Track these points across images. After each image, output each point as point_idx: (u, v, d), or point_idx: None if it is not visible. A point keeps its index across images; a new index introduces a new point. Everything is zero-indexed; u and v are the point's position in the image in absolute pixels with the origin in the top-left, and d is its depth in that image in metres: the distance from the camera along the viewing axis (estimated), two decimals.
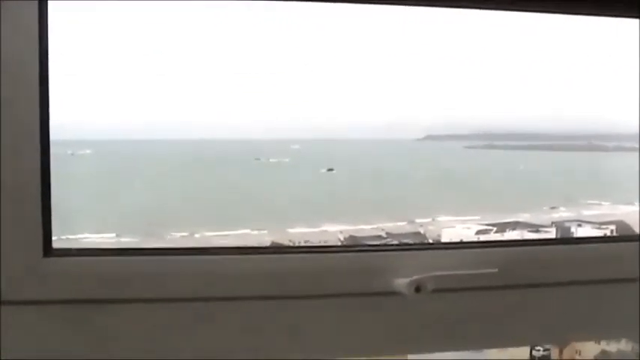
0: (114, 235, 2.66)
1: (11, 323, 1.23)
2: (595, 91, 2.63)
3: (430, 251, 1.42)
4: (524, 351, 2.98)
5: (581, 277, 1.42)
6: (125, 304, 1.27)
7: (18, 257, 1.22)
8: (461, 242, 1.92)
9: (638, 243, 1.43)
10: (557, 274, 1.41)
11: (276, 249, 1.57)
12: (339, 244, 2.57)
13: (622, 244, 1.54)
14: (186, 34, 2.05)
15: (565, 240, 2.20)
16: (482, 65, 2.54)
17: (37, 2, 1.19)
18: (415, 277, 1.30)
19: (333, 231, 2.90)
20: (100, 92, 2.12)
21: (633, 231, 2.44)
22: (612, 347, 2.79)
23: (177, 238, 2.77)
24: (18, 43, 1.19)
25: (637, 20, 1.50)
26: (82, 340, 1.28)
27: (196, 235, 2.77)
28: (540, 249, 1.48)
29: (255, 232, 2.86)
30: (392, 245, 1.92)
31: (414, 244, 2.03)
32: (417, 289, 1.30)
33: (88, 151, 2.63)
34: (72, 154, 2.54)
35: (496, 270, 1.32)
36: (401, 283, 1.31)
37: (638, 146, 2.53)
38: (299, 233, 2.91)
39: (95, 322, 1.27)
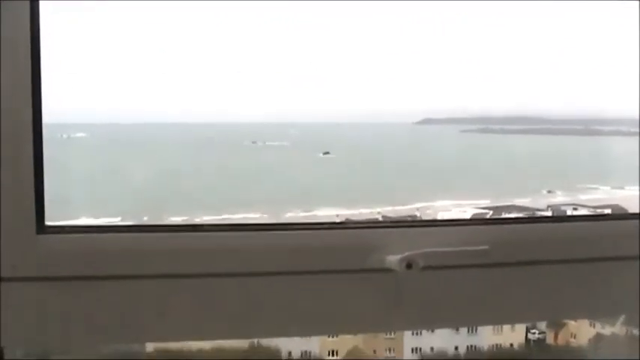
0: (110, 219, 2.66)
1: (5, 300, 1.24)
2: (592, 75, 2.63)
3: (422, 228, 1.43)
4: (519, 334, 2.99)
5: (572, 256, 1.43)
6: (118, 280, 1.28)
7: (12, 235, 1.23)
8: (452, 220, 1.93)
9: (628, 222, 1.44)
10: (549, 252, 1.42)
11: (270, 225, 1.58)
12: None
13: (614, 222, 1.55)
14: (183, 16, 2.05)
15: (556, 218, 2.21)
16: (479, 49, 2.54)
17: None
18: (406, 254, 1.31)
19: (330, 215, 2.90)
20: (94, 74, 2.12)
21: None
22: (607, 331, 2.79)
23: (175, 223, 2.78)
24: (8, 28, 1.20)
25: (637, 2, 1.50)
26: (75, 316, 1.29)
27: (196, 220, 2.77)
28: (531, 227, 1.49)
29: (255, 216, 2.87)
30: (384, 222, 1.93)
31: (406, 221, 2.03)
32: (409, 266, 1.31)
33: (82, 134, 2.63)
34: (67, 138, 2.54)
35: (487, 247, 1.33)
36: (392, 259, 1.32)
37: (634, 131, 2.53)
38: (296, 217, 2.91)
39: (89, 298, 1.28)
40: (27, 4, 1.21)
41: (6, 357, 1.31)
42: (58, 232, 1.28)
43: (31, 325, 1.27)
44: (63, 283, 1.26)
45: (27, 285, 1.25)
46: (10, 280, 1.24)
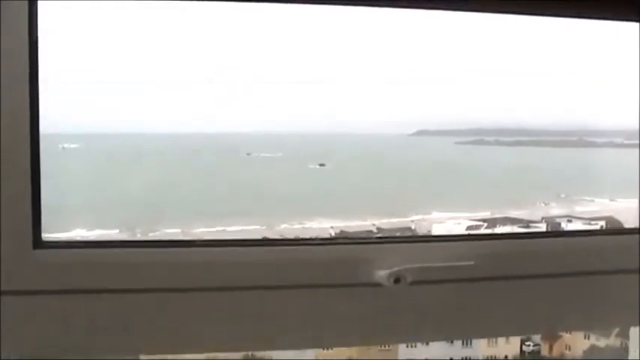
0: (104, 231, 2.67)
1: (2, 313, 1.25)
2: (586, 86, 2.63)
3: (411, 244, 1.44)
4: (514, 346, 2.99)
5: (563, 269, 1.43)
6: (112, 294, 1.29)
7: (9, 249, 1.24)
8: (441, 235, 1.94)
9: (621, 236, 1.45)
10: (538, 266, 1.43)
11: (262, 241, 1.59)
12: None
13: (604, 237, 1.56)
14: (177, 27, 2.06)
15: (544, 233, 2.22)
16: (474, 61, 2.54)
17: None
18: (394, 269, 1.32)
19: (324, 227, 2.90)
20: (87, 84, 2.12)
21: (622, 226, 2.44)
22: (601, 342, 2.79)
23: (169, 235, 2.78)
24: (7, 39, 1.20)
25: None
26: (70, 329, 1.30)
27: (191, 231, 2.77)
28: (520, 242, 1.50)
29: (249, 228, 2.87)
30: (373, 238, 1.94)
31: (395, 236, 2.05)
32: (397, 281, 1.32)
33: (75, 145, 2.62)
34: (62, 149, 2.54)
35: (472, 263, 1.34)
36: (381, 274, 1.33)
37: (627, 142, 2.53)
38: (290, 229, 2.92)
39: (83, 312, 1.30)
40: (26, 12, 1.22)
41: None
42: (55, 247, 1.29)
43: (28, 338, 1.29)
44: (59, 297, 1.27)
45: (24, 298, 1.26)
46: (7, 293, 1.25)
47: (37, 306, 1.27)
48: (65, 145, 2.56)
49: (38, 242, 1.27)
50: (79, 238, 2.27)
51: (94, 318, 1.30)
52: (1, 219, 1.23)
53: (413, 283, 1.32)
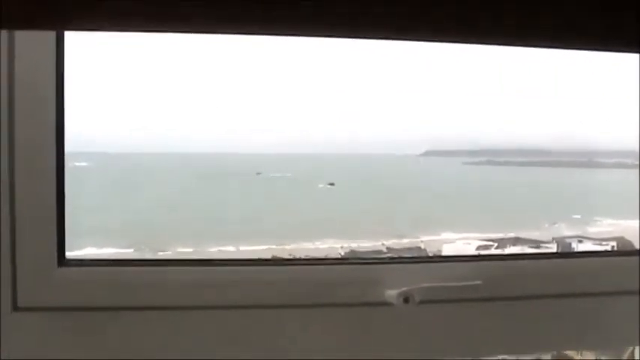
0: (114, 250, 2.68)
1: (26, 329, 1.28)
2: (595, 108, 2.64)
3: (420, 264, 1.44)
4: None
5: (569, 290, 1.43)
6: (134, 311, 1.31)
7: (34, 267, 1.27)
8: (449, 256, 1.94)
9: (626, 258, 1.46)
10: (544, 287, 1.43)
11: (273, 261, 1.61)
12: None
13: (612, 258, 1.56)
14: (188, 49, 2.08)
15: (551, 254, 2.22)
16: (483, 81, 2.56)
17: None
18: (404, 289, 1.32)
19: (334, 247, 2.91)
20: (97, 103, 2.14)
21: (634, 247, 2.43)
22: None
23: (180, 254, 2.79)
24: (36, 67, 1.24)
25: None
26: (92, 346, 1.32)
27: (200, 250, 2.78)
28: (525, 263, 1.50)
29: (260, 248, 2.88)
30: (383, 258, 1.95)
31: (405, 257, 2.05)
32: (406, 300, 1.32)
33: (85, 164, 2.64)
34: (74, 167, 2.55)
35: (480, 282, 1.35)
36: (391, 294, 1.34)
37: (637, 163, 2.53)
38: (300, 249, 2.92)
39: (106, 329, 1.32)
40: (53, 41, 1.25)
41: None
42: (79, 265, 1.32)
43: (51, 354, 1.31)
44: (82, 314, 1.30)
45: (47, 315, 1.29)
46: (31, 309, 1.28)
47: (61, 323, 1.30)
48: (76, 164, 2.58)
49: (62, 260, 1.30)
50: (93, 257, 2.29)
51: (115, 335, 1.32)
52: (27, 236, 1.26)
53: (422, 302, 1.33)
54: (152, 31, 1.00)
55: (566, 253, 2.23)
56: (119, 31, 0.98)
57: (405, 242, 3.03)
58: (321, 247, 2.92)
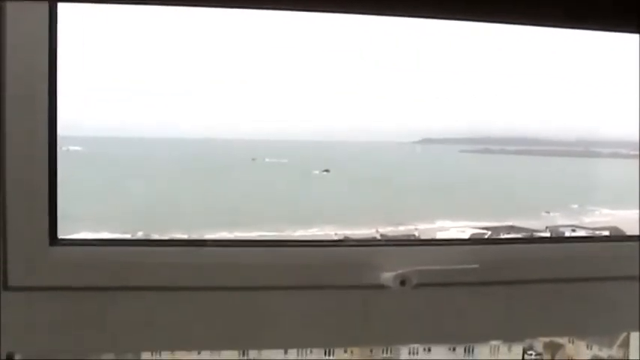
0: (110, 236, 2.67)
1: (18, 308, 1.27)
2: (592, 97, 2.64)
3: (416, 247, 1.44)
4: (516, 354, 2.98)
5: (564, 275, 1.44)
6: (126, 291, 1.31)
7: (25, 246, 1.27)
8: (446, 239, 1.94)
9: (620, 243, 1.46)
10: (540, 272, 1.43)
11: (270, 242, 1.60)
12: None
13: (604, 243, 1.57)
14: (186, 34, 2.06)
15: (546, 239, 2.22)
16: (480, 70, 2.55)
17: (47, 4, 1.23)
18: (400, 271, 1.32)
19: (329, 234, 2.90)
20: (92, 88, 2.12)
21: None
22: (604, 353, 2.79)
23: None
24: (27, 44, 1.23)
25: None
26: (84, 325, 1.32)
27: (194, 237, 2.77)
28: (521, 247, 1.51)
29: (253, 234, 2.87)
30: (380, 240, 1.94)
31: (401, 239, 2.05)
32: (402, 283, 1.32)
33: (77, 148, 2.62)
34: (67, 151, 2.54)
35: (477, 266, 1.35)
36: (387, 276, 1.34)
37: (633, 153, 2.53)
38: (294, 236, 2.92)
39: (97, 308, 1.32)
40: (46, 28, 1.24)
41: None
42: (70, 245, 1.32)
43: (42, 333, 1.31)
44: (73, 293, 1.30)
45: (39, 294, 1.29)
46: (22, 289, 1.27)
47: (52, 302, 1.29)
48: (70, 148, 2.57)
49: (54, 239, 1.29)
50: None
51: (106, 315, 1.32)
52: (19, 216, 1.26)
53: (418, 285, 1.33)
54: (144, 3, 0.99)
55: (560, 238, 2.23)
56: (113, 3, 0.97)
57: (400, 230, 3.03)
58: (316, 234, 2.92)
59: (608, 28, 1.49)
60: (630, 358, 2.06)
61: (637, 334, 1.83)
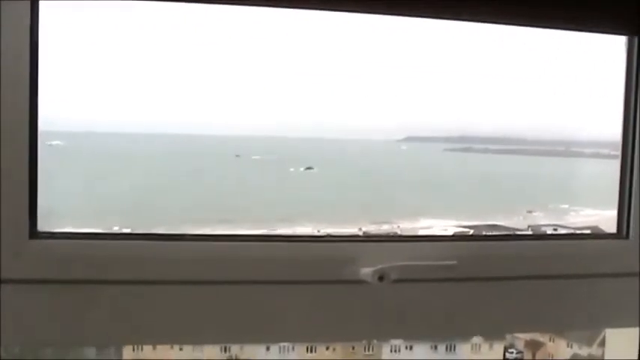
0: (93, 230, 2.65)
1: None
2: (574, 97, 2.65)
3: (396, 243, 1.45)
4: (497, 353, 3.00)
5: (543, 272, 1.45)
6: (106, 284, 1.32)
7: (5, 239, 1.27)
8: (425, 235, 1.96)
9: (599, 241, 1.47)
10: (519, 269, 1.44)
11: (251, 237, 1.62)
12: None
13: (583, 241, 1.58)
14: (171, 29, 2.06)
15: (525, 236, 2.24)
16: (464, 69, 2.56)
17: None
18: (379, 267, 1.33)
19: (311, 232, 2.90)
20: (73, 79, 2.11)
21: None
22: (584, 351, 2.80)
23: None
24: (9, 39, 1.23)
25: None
26: (63, 318, 1.32)
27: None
28: (500, 244, 1.52)
29: (236, 232, 2.86)
30: (359, 236, 1.95)
31: (380, 235, 2.06)
32: (381, 278, 1.33)
33: (58, 142, 2.60)
34: (50, 146, 2.52)
35: (455, 262, 1.36)
36: (366, 272, 1.35)
37: (613, 153, 2.55)
38: (276, 233, 2.91)
39: (78, 301, 1.32)
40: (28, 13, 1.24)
41: (2, 356, 1.35)
42: (50, 238, 1.32)
43: (24, 326, 1.31)
44: (54, 286, 1.30)
45: (19, 287, 1.29)
46: (3, 282, 1.27)
47: (32, 295, 1.30)
48: (53, 143, 2.55)
49: (34, 233, 1.30)
50: None
51: (86, 308, 1.33)
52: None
53: (396, 281, 1.33)
54: None
55: (540, 235, 2.25)
56: None
57: (383, 228, 3.03)
58: (298, 230, 2.91)
59: (602, 30, 1.50)
60: (606, 357, 2.08)
61: (613, 332, 1.84)
